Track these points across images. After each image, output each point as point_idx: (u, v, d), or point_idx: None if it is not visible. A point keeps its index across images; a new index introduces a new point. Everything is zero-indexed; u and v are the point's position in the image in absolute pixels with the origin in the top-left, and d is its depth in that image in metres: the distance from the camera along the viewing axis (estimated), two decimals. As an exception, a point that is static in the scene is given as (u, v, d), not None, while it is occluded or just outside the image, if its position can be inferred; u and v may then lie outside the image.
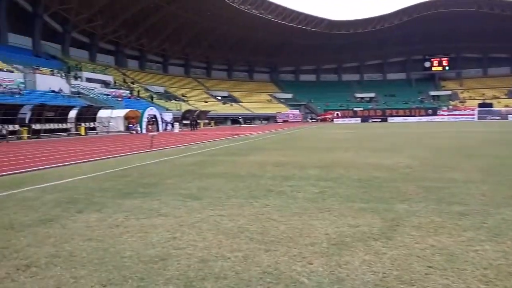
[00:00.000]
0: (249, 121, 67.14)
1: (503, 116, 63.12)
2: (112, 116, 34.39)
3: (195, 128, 40.43)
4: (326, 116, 74.12)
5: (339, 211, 4.95)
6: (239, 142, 19.70)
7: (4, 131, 22.75)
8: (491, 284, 2.82)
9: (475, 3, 69.61)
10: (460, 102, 77.61)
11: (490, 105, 69.53)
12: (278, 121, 70.23)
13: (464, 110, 70.26)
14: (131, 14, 57.82)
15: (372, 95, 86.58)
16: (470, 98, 77.94)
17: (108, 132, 32.78)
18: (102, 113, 33.70)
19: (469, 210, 4.88)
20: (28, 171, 9.41)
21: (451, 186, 6.52)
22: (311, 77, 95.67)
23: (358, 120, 71.01)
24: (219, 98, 75.07)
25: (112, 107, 37.98)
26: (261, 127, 48.80)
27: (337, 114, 74.12)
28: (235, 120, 61.12)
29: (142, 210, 5.20)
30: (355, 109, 76.72)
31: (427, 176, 7.55)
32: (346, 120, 70.15)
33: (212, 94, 75.76)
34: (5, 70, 34.75)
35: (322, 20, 74.06)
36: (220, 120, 62.48)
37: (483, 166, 8.77)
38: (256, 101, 78.47)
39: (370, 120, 69.98)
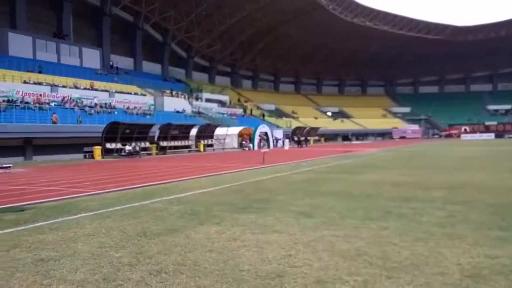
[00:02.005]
0: (361, 138, 64.73)
1: None
2: (228, 134, 36.66)
3: (303, 145, 40.53)
4: (451, 132, 67.27)
5: (473, 239, 4.37)
6: (351, 159, 19.08)
7: (137, 148, 25.98)
8: None
9: None
10: None
11: None
12: (394, 137, 66.17)
13: None
14: (246, 37, 61.53)
15: (508, 107, 75.69)
16: None
17: (223, 149, 34.98)
18: (219, 131, 36.19)
19: None
20: (156, 184, 10.53)
21: None
22: (433, 89, 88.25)
23: (491, 135, 62.61)
24: (329, 114, 74.28)
25: (227, 125, 40.54)
26: (375, 143, 46.60)
27: (465, 129, 66.61)
28: (346, 137, 59.62)
29: (257, 225, 5.34)
30: (487, 123, 67.92)
31: None
32: (476, 136, 62.47)
33: (322, 110, 75.36)
34: (139, 94, 40.00)
35: (445, 26, 68.25)
36: (331, 136, 61.55)
37: None
38: (369, 116, 75.40)
39: (506, 136, 61.07)
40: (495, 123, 67.59)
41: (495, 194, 7.37)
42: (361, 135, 66.24)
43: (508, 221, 5.17)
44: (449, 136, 65.88)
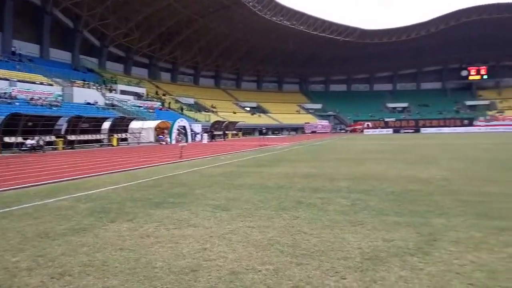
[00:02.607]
0: (277, 132, 67.04)
1: (546, 126, 59.91)
2: (144, 127, 35.26)
3: (216, 139, 40.72)
4: (356, 127, 72.95)
5: (372, 225, 4.80)
6: (266, 153, 19.68)
7: (41, 142, 23.73)
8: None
9: (513, 9, 67.04)
10: (498, 112, 74.39)
11: (531, 115, 66.16)
12: (307, 132, 69.72)
13: (503, 121, 67.27)
14: (166, 28, 59.57)
15: (405, 105, 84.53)
16: (510, 108, 74.56)
17: (138, 143, 33.59)
18: (134, 124, 34.63)
19: (511, 225, 4.61)
20: (62, 180, 9.74)
21: (491, 200, 6.21)
22: (342, 87, 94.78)
23: (390, 130, 69.40)
24: (248, 109, 75.59)
25: (144, 119, 38.98)
26: (289, 138, 48.61)
27: (368, 124, 72.79)
28: (262, 131, 61.34)
29: (173, 220, 5.25)
30: (386, 119, 75.10)
31: (465, 190, 7.23)
32: (377, 131, 68.72)
33: (241, 105, 76.40)
34: (45, 83, 36.47)
35: (354, 29, 73.41)
36: (248, 131, 62.77)
37: (526, 179, 8.32)
38: (285, 111, 78.41)
39: (402, 131, 68.21)
40: (393, 119, 75.02)
41: (393, 183, 8.17)
42: (277, 130, 68.63)
43: (402, 207, 5.78)
44: (354, 131, 71.39)
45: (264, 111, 76.65)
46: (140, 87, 55.26)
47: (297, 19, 67.33)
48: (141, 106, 47.36)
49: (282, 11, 64.14)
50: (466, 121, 69.08)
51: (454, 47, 78.93)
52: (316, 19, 69.29)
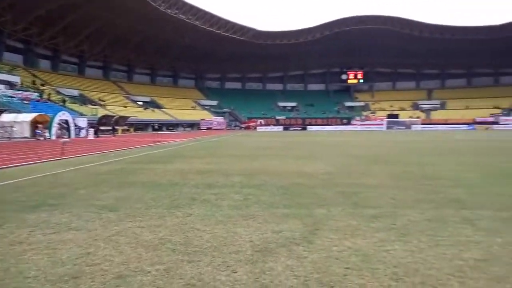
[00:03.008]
0: (171, 128, 65.56)
1: (407, 126, 69.97)
2: (17, 121, 31.16)
3: (99, 135, 38.02)
4: (249, 124, 75.40)
5: (263, 218, 5.00)
6: (160, 149, 19.10)
7: None
8: (400, 281, 3.03)
9: (388, 22, 76.41)
10: (371, 113, 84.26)
11: (396, 116, 76.67)
12: (202, 128, 69.71)
13: (375, 120, 76.51)
14: (46, 11, 53.27)
15: (294, 104, 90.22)
16: (380, 109, 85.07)
17: (10, 139, 29.57)
18: (5, 118, 30.38)
19: (381, 213, 5.24)
20: None
21: (365, 191, 6.97)
22: (237, 85, 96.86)
23: (281, 128, 73.49)
24: (141, 103, 72.36)
25: (18, 111, 34.46)
26: (184, 134, 47.97)
27: (261, 122, 75.87)
28: (159, 127, 59.42)
29: (50, 224, 4.73)
30: (277, 117, 79.29)
31: (344, 182, 7.99)
32: (269, 128, 72.15)
33: (133, 99, 72.73)
34: None
35: (249, 29, 75.48)
36: (141, 126, 60.12)
37: (393, 172, 9.55)
38: (180, 107, 77.11)
39: (291, 128, 72.84)
40: (284, 117, 79.61)
41: (283, 178, 8.63)
42: (172, 126, 67.11)
43: (291, 200, 6.13)
44: (248, 128, 73.75)
45: (158, 106, 74.21)
46: (13, 75, 48.68)
47: (193, 13, 66.62)
48: (14, 97, 41.74)
49: (178, 3, 62.79)
50: (345, 120, 76.85)
51: (336, 53, 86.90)
52: (213, 16, 69.50)
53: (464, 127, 68.05)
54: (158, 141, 26.11)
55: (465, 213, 5.23)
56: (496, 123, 68.66)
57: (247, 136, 39.14)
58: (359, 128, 71.60)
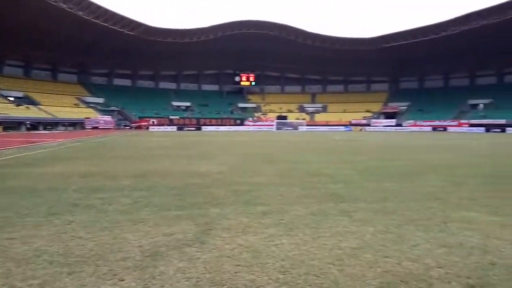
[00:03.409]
0: (50, 127, 59.09)
1: (295, 127, 74.92)
2: None
3: None
4: (141, 124, 72.23)
5: (154, 221, 4.82)
6: (38, 151, 17.08)
7: None
8: (287, 273, 3.21)
9: (277, 28, 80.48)
10: (262, 114, 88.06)
11: (285, 118, 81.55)
12: (87, 127, 64.39)
13: (266, 121, 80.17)
14: None
15: (188, 104, 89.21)
16: (271, 111, 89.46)
17: None
18: None
19: (270, 209, 5.49)
20: None
21: (256, 189, 7.23)
22: (127, 82, 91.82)
23: (174, 128, 72.03)
24: (12, 99, 63.77)
25: None
26: (65, 134, 43.73)
27: (153, 121, 73.28)
28: (33, 126, 52.99)
29: None
30: (171, 117, 77.49)
31: (236, 181, 8.17)
32: (162, 128, 70.14)
33: (3, 94, 63.69)
34: None
35: (139, 24, 72.05)
36: (12, 125, 52.95)
37: (282, 170, 10.09)
38: (61, 104, 70.01)
39: (185, 129, 71.97)
40: (177, 117, 78.19)
41: (176, 178, 8.44)
42: (50, 125, 60.53)
43: (183, 201, 6.03)
44: (139, 127, 70.61)
45: (34, 103, 66.23)
46: None
47: (76, 3, 61.15)
48: None
49: (57, -10, 56.95)
50: (239, 121, 78.89)
51: (229, 55, 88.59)
52: (99, 7, 64.73)
53: (342, 128, 75.66)
54: (34, 142, 23.32)
55: (343, 206, 5.79)
56: (368, 125, 77.82)
57: (138, 136, 37.38)
58: (251, 128, 74.25)
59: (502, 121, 60.98)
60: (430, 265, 3.42)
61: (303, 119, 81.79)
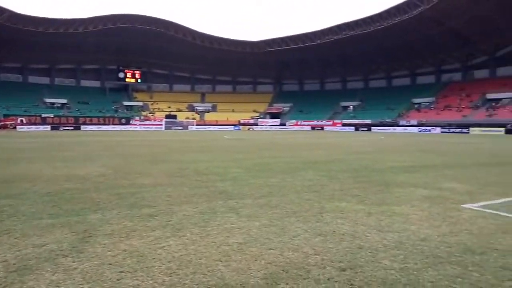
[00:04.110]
0: None
1: (185, 126, 74.03)
2: None
3: None
4: (6, 123, 63.10)
5: (22, 231, 4.27)
6: None
7: None
8: (173, 274, 3.16)
9: (164, 24, 78.04)
10: (150, 113, 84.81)
11: (174, 117, 79.93)
12: None
13: (154, 120, 77.46)
14: None
15: (64, 101, 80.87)
16: (159, 109, 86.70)
17: None
18: None
19: (157, 211, 5.33)
20: None
21: (142, 191, 6.94)
22: (-15, 75, 79.16)
23: (48, 127, 64.70)
24: None
25: None
26: None
27: (22, 120, 64.69)
28: None
29: None
30: (44, 115, 69.35)
31: (120, 184, 7.72)
32: (34, 128, 62.39)
33: None
34: None
35: (2, 10, 62.74)
36: None
37: (169, 171, 9.87)
38: None
39: (62, 128, 65.23)
40: (52, 115, 70.41)
41: (49, 183, 7.60)
42: None
43: (58, 208, 5.47)
44: (4, 127, 61.69)
45: None
46: None
47: None
48: None
49: None
50: (124, 120, 74.59)
51: (112, 49, 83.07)
52: None
53: (232, 127, 77.39)
54: None
55: (231, 203, 5.93)
56: (256, 124, 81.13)
57: (1, 138, 32.60)
58: (138, 128, 70.91)
59: (369, 121, 69.48)
60: (308, 253, 3.71)
61: (193, 119, 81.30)
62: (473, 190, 7.17)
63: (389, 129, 63.53)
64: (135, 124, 73.65)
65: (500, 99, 59.19)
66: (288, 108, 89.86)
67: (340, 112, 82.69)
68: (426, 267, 3.35)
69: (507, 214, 5.29)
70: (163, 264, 3.37)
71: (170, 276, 3.11)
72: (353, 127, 69.62)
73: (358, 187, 7.49)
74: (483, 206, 5.81)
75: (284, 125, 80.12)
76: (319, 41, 75.52)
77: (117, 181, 8.08)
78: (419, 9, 57.20)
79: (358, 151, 17.93)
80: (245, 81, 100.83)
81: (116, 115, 78.25)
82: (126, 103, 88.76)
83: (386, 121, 66.90)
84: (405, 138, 35.34)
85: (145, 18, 76.60)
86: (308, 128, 75.61)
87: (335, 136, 40.80)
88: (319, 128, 74.46)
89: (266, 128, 78.47)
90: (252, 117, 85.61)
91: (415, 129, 59.22)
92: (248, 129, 75.81)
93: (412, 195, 6.71)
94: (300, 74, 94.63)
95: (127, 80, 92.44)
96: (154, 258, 3.51)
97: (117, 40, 79.45)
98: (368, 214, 5.33)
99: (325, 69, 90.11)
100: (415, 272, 3.22)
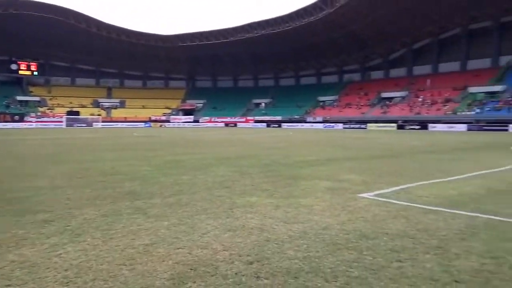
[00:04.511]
0: None
1: (89, 123, 69.04)
2: None
3: None
4: None
5: None
6: None
7: None
8: (70, 283, 2.92)
9: (63, 13, 71.44)
10: (49, 109, 77.32)
11: (77, 113, 74.01)
12: None
13: (53, 117, 70.84)
14: None
15: None
16: (59, 105, 79.41)
17: None
18: None
19: (54, 216, 4.88)
20: None
21: (37, 194, 6.31)
22: None
23: None
24: None
25: None
26: None
27: None
28: None
29: None
30: None
31: (10, 187, 6.91)
32: None
33: None
34: None
35: None
36: None
37: (69, 171, 9.11)
38: None
39: None
40: None
41: None
42: None
43: None
44: None
45: None
46: None
47: None
48: None
49: None
50: (17, 117, 67.03)
51: (3, 38, 73.89)
52: None
53: (142, 124, 74.18)
54: None
55: (139, 204, 5.68)
56: (168, 121, 78.93)
57: None
58: (34, 125, 64.20)
59: (279, 118, 72.17)
60: (217, 249, 3.72)
61: (99, 115, 76.16)
62: (369, 181, 7.87)
63: (298, 125, 66.81)
64: (31, 121, 66.62)
65: (392, 98, 65.90)
66: (201, 104, 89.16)
67: (252, 109, 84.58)
68: (327, 254, 3.58)
69: (396, 201, 5.91)
70: (59, 273, 3.09)
71: (66, 286, 2.86)
72: (265, 124, 71.70)
73: (268, 182, 7.73)
74: (377, 195, 6.41)
75: (198, 122, 79.37)
76: (232, 38, 76.16)
77: (6, 184, 7.21)
78: (324, 12, 60.93)
79: (269, 146, 18.52)
80: (156, 76, 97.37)
81: (7, 111, 69.94)
82: (20, 98, 79.68)
83: (295, 118, 70.21)
84: (312, 133, 37.52)
85: (42, 5, 69.43)
86: (222, 124, 75.98)
87: (247, 132, 41.63)
88: (233, 125, 75.28)
89: (179, 125, 76.92)
90: (164, 114, 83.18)
91: (321, 125, 63.16)
92: (160, 126, 73.51)
93: (316, 187, 7.13)
94: (213, 70, 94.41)
95: (21, 72, 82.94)
96: (48, 268, 3.20)
97: (9, 28, 70.81)
98: (276, 207, 5.53)
99: (238, 66, 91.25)
100: (316, 260, 3.42)
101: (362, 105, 66.78)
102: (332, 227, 4.51)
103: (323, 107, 72.92)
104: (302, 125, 66.17)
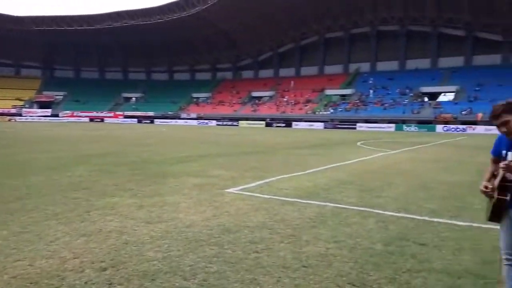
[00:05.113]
0: None
1: None
2: None
3: None
4: None
5: None
6: None
7: None
8: None
9: None
10: None
11: None
12: None
13: None
14: None
15: None
16: None
17: None
18: None
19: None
20: None
21: None
22: None
23: None
24: None
25: None
26: None
27: None
28: None
29: None
30: None
31: None
32: None
33: None
34: None
35: None
36: None
37: None
38: None
39: None
40: None
41: None
42: None
43: None
44: None
45: None
46: None
47: None
48: None
49: None
50: None
51: None
52: None
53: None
54: None
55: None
56: (20, 115, 68.67)
57: None
58: None
59: (151, 114, 69.56)
60: (66, 257, 3.34)
61: None
62: (236, 176, 8.13)
63: (172, 121, 65.55)
64: None
65: (261, 97, 69.78)
66: (61, 97, 79.94)
67: (122, 103, 79.66)
68: (188, 252, 3.54)
69: (259, 195, 6.22)
70: None
71: None
72: (135, 119, 68.45)
73: (133, 180, 7.34)
74: (242, 189, 6.65)
75: (57, 116, 71.04)
76: (98, 26, 70.37)
77: None
78: (196, 8, 60.96)
79: (138, 143, 17.68)
80: (5, 63, 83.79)
81: None
82: None
83: (169, 114, 68.71)
84: (185, 130, 37.23)
85: None
86: (86, 119, 69.71)
87: (115, 128, 39.08)
88: (99, 120, 69.78)
89: (33, 119, 67.77)
90: (14, 106, 72.16)
91: (195, 122, 63.16)
92: (9, 120, 63.65)
93: (185, 184, 7.05)
94: (76, 59, 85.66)
95: None
96: None
97: None
98: (140, 207, 5.26)
99: (106, 57, 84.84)
100: (177, 259, 3.35)
101: (234, 103, 69.00)
102: (196, 224, 4.49)
103: (197, 104, 73.06)
104: (176, 122, 65.19)
